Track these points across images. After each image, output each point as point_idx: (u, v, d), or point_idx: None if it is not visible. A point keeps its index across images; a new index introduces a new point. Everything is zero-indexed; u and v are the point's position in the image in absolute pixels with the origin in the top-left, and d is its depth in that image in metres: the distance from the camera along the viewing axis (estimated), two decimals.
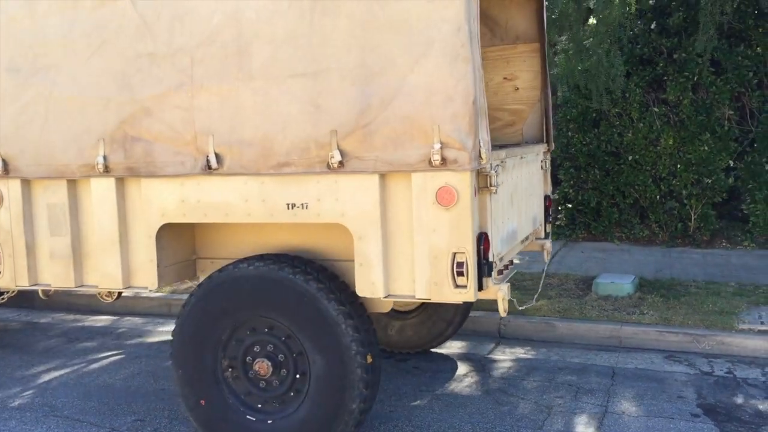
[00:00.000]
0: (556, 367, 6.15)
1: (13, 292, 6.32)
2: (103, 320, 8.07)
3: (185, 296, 8.26)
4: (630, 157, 10.14)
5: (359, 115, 3.87)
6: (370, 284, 3.98)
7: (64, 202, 4.51)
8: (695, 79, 9.73)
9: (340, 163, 3.89)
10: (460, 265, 3.81)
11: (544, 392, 5.56)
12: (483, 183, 3.91)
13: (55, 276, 4.60)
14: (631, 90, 9.79)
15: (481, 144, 3.77)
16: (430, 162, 3.76)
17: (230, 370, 4.39)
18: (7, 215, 4.65)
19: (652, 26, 9.92)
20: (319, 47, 3.92)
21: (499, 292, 4.04)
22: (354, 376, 4.08)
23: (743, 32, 9.79)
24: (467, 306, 6.33)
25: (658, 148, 9.95)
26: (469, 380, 5.87)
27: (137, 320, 8.00)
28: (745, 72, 9.68)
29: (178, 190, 4.28)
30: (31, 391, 5.83)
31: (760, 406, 5.26)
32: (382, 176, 3.91)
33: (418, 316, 6.30)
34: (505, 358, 6.46)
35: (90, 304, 8.57)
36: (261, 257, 4.32)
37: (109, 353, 6.77)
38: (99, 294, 5.53)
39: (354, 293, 4.23)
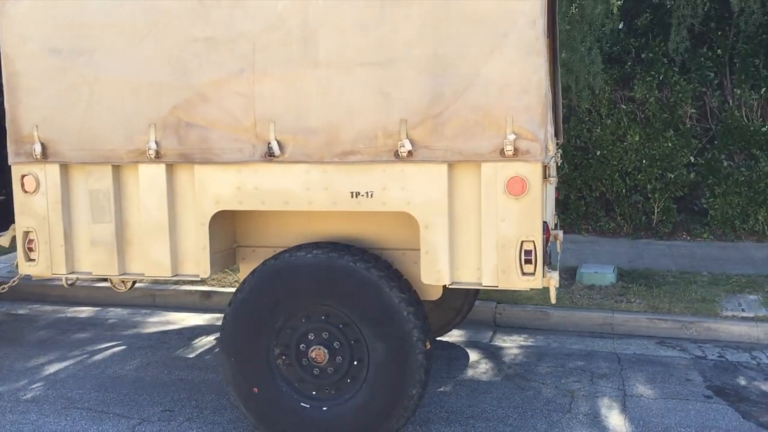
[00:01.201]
0: (561, 354, 6.36)
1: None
2: (85, 311, 7.85)
3: (167, 287, 8.13)
4: (598, 152, 10.49)
5: (430, 104, 3.92)
6: (436, 272, 4.05)
7: (108, 188, 4.40)
8: (660, 78, 10.14)
9: (410, 152, 3.94)
10: (528, 253, 3.92)
11: (561, 377, 5.74)
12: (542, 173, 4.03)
13: (96, 264, 4.48)
14: (601, 87, 10.13)
15: (548, 136, 3.90)
16: (502, 152, 3.85)
17: (283, 357, 4.39)
18: (43, 201, 4.50)
19: (620, 26, 10.28)
20: (389, 36, 3.96)
21: (551, 279, 4.18)
22: (415, 363, 4.15)
23: (705, 34, 10.26)
24: (474, 295, 6.47)
25: (625, 143, 10.33)
26: (484, 367, 6.01)
27: (121, 311, 7.81)
28: (707, 72, 10.14)
29: (234, 177, 4.24)
30: (39, 384, 5.65)
31: (764, 387, 5.58)
32: (450, 165, 3.98)
33: (429, 305, 6.39)
34: (509, 345, 6.62)
35: (65, 295, 8.30)
36: (316, 245, 4.33)
37: (109, 344, 6.61)
38: (112, 283, 5.44)
39: (407, 281, 4.30)
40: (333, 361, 4.32)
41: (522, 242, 3.92)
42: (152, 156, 4.26)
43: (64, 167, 4.48)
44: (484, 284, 4.01)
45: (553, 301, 4.32)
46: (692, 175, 10.29)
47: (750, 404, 5.25)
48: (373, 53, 3.98)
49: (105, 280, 8.10)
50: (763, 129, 9.95)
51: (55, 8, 4.35)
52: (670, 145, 10.08)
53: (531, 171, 3.87)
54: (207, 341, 6.69)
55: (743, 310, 7.19)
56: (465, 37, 3.87)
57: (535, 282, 3.95)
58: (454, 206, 4.01)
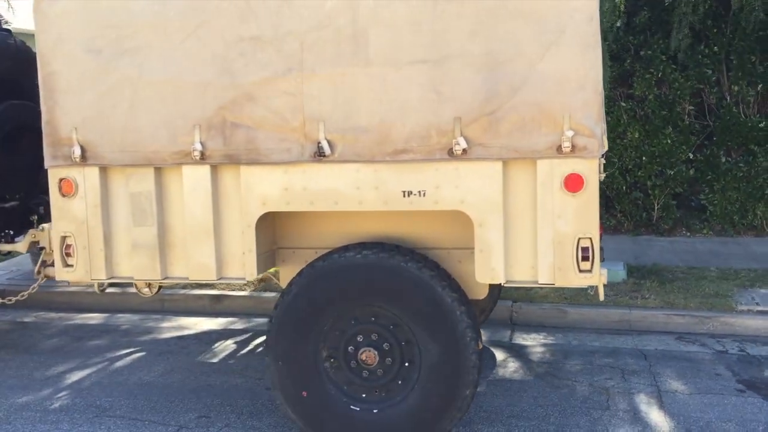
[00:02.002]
0: (586, 351, 6.36)
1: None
2: (94, 317, 7.70)
3: (176, 292, 8.01)
4: None
5: (484, 102, 3.90)
6: (490, 270, 4.02)
7: (150, 191, 4.31)
8: (659, 75, 10.22)
9: (464, 150, 3.90)
10: (585, 250, 3.91)
11: (592, 374, 5.75)
12: None
13: (138, 268, 4.39)
14: None
15: (603, 131, 3.89)
16: (559, 149, 3.84)
17: (331, 360, 4.33)
18: (82, 205, 4.40)
19: (618, 24, 10.34)
20: (442, 33, 3.92)
21: (601, 276, 4.17)
22: (469, 363, 4.12)
23: (702, 32, 10.37)
24: (498, 294, 6.46)
25: (625, 140, 10.39)
26: (513, 366, 5.99)
27: (132, 317, 7.68)
28: (705, 70, 10.25)
29: (281, 177, 4.17)
30: (65, 393, 5.52)
31: None
32: (505, 163, 3.95)
33: None
34: (531, 343, 6.62)
35: (71, 302, 8.19)
36: (363, 245, 4.29)
37: (127, 351, 6.49)
38: (137, 287, 5.35)
39: (455, 281, 4.27)
40: (383, 363, 4.27)
41: (579, 239, 3.91)
42: (197, 157, 4.18)
43: (103, 170, 4.38)
44: (540, 282, 3.99)
45: (601, 298, 4.30)
46: (691, 172, 10.39)
47: None
48: (425, 51, 3.94)
49: (114, 285, 7.99)
50: (761, 125, 10.07)
51: (95, 8, 4.25)
52: (669, 141, 10.17)
53: (588, 167, 3.86)
54: (227, 345, 6.59)
55: (758, 304, 7.25)
56: (520, 33, 3.84)
57: (593, 279, 3.94)
58: (508, 204, 3.99)
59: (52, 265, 5.76)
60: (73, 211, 4.41)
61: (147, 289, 5.53)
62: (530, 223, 3.98)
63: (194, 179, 4.25)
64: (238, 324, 7.32)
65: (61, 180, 4.40)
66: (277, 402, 4.38)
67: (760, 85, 10.12)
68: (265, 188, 4.19)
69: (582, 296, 7.56)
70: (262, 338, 6.77)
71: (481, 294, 4.59)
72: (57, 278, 4.65)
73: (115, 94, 4.27)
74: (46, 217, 6.54)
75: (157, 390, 5.52)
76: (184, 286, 8.14)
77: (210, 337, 6.85)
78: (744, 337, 6.82)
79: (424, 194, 4.04)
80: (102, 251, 4.41)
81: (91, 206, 4.38)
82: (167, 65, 4.20)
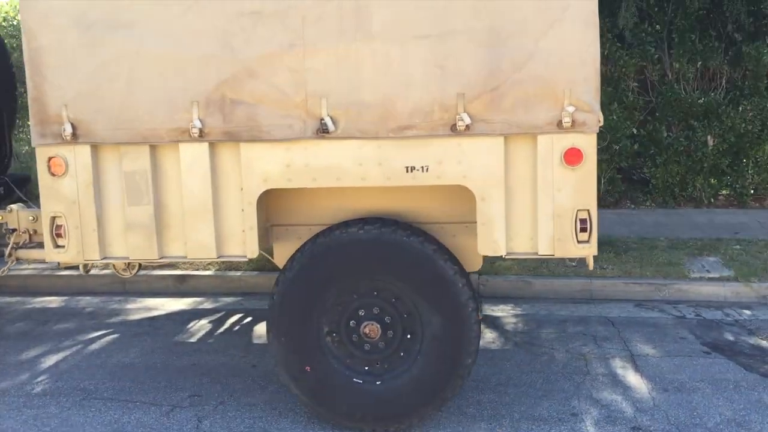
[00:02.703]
0: (556, 320, 6.59)
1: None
2: (53, 301, 7.50)
3: (139, 273, 7.85)
4: None
5: (487, 78, 3.98)
6: (492, 243, 4.13)
7: (146, 169, 4.24)
8: (605, 54, 10.50)
9: (467, 126, 3.98)
10: (583, 221, 4.06)
11: (567, 342, 5.97)
12: None
13: (133, 248, 4.32)
14: None
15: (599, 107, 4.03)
16: (559, 124, 3.96)
17: (333, 335, 4.38)
18: (72, 184, 4.29)
19: None
20: (445, 9, 3.97)
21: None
22: (471, 333, 4.23)
23: (645, 11, 10.70)
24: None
25: None
26: (491, 335, 6.16)
27: (93, 299, 7.51)
28: (648, 48, 10.59)
29: (283, 154, 4.17)
30: (44, 377, 5.40)
31: (751, 341, 5.99)
32: (506, 138, 4.05)
33: None
34: (502, 314, 6.80)
35: (26, 285, 7.95)
36: (364, 221, 4.33)
37: (98, 333, 6.36)
38: (116, 269, 5.27)
39: (453, 254, 4.36)
40: (384, 336, 4.34)
41: (577, 211, 4.05)
42: (195, 135, 4.13)
43: (95, 148, 4.27)
44: (540, 253, 4.12)
45: (591, 267, 4.47)
46: (635, 146, 10.75)
47: (746, 357, 5.62)
48: (429, 26, 3.99)
49: (70, 267, 7.80)
50: (700, 101, 10.49)
51: None
52: (614, 117, 10.47)
53: (587, 142, 4.00)
54: (202, 325, 6.55)
55: (708, 271, 7.63)
56: (523, 10, 3.93)
57: (591, 249, 4.09)
58: (509, 178, 4.09)
59: (23, 247, 5.62)
60: (63, 190, 4.30)
61: (126, 272, 5.46)
62: (530, 197, 4.10)
63: (192, 157, 4.20)
64: (207, 304, 7.26)
65: (50, 159, 4.27)
66: (280, 378, 4.40)
67: (699, 63, 10.52)
68: (266, 165, 4.18)
69: (544, 267, 7.79)
70: (236, 317, 6.76)
71: (475, 267, 4.70)
72: (47, 260, 4.52)
73: (108, 69, 4.16)
74: (4, 198, 6.35)
75: (141, 371, 5.46)
76: (145, 267, 7.99)
77: (182, 318, 6.78)
78: (698, 302, 7.18)
79: (426, 169, 4.10)
80: (95, 231, 4.32)
81: (82, 186, 4.28)
82: (165, 40, 4.12)
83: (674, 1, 10.46)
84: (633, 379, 5.22)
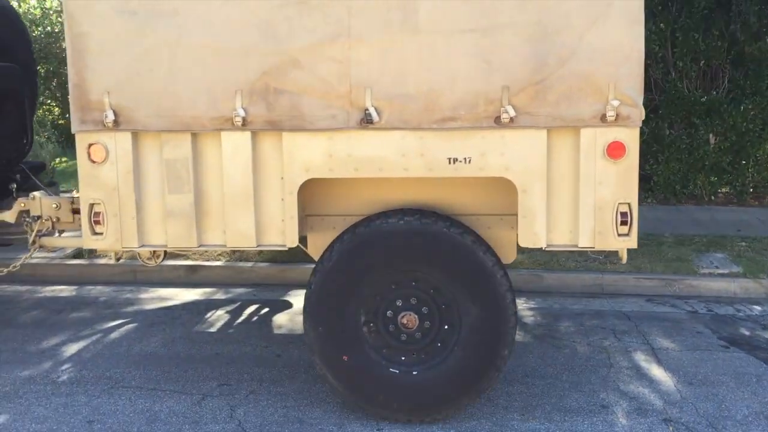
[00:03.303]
0: (572, 313, 6.64)
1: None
2: (64, 290, 7.45)
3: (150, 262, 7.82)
4: None
5: (533, 71, 4.01)
6: (533, 235, 4.17)
7: (187, 157, 4.23)
8: None
9: (512, 118, 4.01)
10: (624, 215, 4.11)
11: (587, 335, 6.02)
12: None
13: (172, 236, 4.31)
14: None
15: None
16: (603, 118, 4.00)
17: (370, 324, 4.40)
18: (112, 171, 4.27)
19: None
20: (491, 3, 4.00)
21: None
22: (509, 324, 4.27)
23: (650, 9, 10.77)
24: None
25: None
26: None
27: (104, 289, 7.47)
28: (652, 46, 10.67)
29: (325, 144, 4.18)
30: (68, 365, 5.38)
31: (766, 336, 6.07)
32: (549, 131, 4.09)
33: None
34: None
35: (34, 274, 7.85)
36: (402, 211, 4.35)
37: (117, 322, 6.34)
38: (141, 257, 5.27)
39: (490, 246, 4.39)
40: (421, 326, 4.37)
41: (618, 204, 4.09)
42: (239, 123, 4.13)
43: (135, 135, 4.26)
44: (580, 246, 4.17)
45: (624, 261, 4.52)
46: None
47: (764, 352, 5.71)
48: (474, 20, 4.01)
49: (77, 256, 7.76)
50: (702, 99, 10.60)
51: None
52: None
53: (630, 135, 4.05)
54: (219, 315, 6.53)
55: (717, 267, 7.73)
56: (569, 5, 3.96)
57: (631, 242, 4.15)
58: (550, 170, 4.12)
59: (47, 234, 5.60)
60: (102, 177, 4.28)
61: (151, 260, 5.45)
62: (571, 189, 4.14)
63: (234, 145, 4.20)
64: (220, 294, 7.25)
65: (90, 145, 4.26)
66: (317, 367, 4.41)
67: (702, 62, 10.62)
68: (309, 155, 4.18)
69: (554, 262, 7.85)
70: (252, 308, 6.76)
71: (509, 259, 4.73)
72: (84, 246, 4.50)
73: (151, 57, 4.15)
74: (23, 185, 6.29)
75: (165, 360, 5.44)
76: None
77: (197, 308, 6.77)
78: (707, 298, 7.26)
79: (469, 161, 4.13)
80: (134, 219, 4.30)
81: (122, 173, 4.27)
82: (208, 29, 4.11)
83: (679, 0, 10.54)
84: (657, 372, 5.28)
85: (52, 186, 6.51)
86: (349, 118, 4.12)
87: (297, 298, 7.04)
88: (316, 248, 4.70)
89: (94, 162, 4.26)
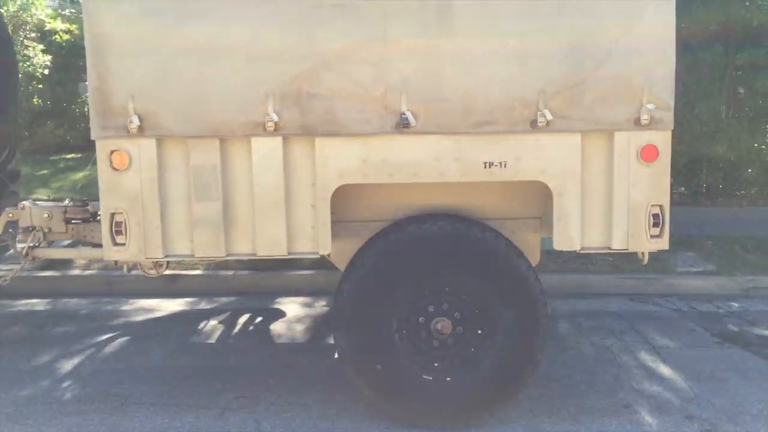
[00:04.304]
0: (565, 314, 6.72)
1: (3, 279, 5.49)
2: (37, 303, 7.08)
3: (127, 273, 7.53)
4: None
5: (568, 75, 4.03)
6: (568, 238, 4.19)
7: (216, 164, 4.10)
8: None
9: (548, 122, 4.03)
10: (655, 216, 4.17)
11: (587, 335, 6.11)
12: None
13: (199, 245, 4.16)
14: None
15: None
16: (637, 121, 4.05)
17: (403, 332, 4.34)
18: (136, 179, 4.10)
19: None
20: (527, 7, 4.01)
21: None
22: (543, 327, 4.29)
23: None
24: None
25: None
26: None
27: (81, 301, 7.14)
28: None
29: (359, 149, 4.11)
30: (68, 383, 5.13)
31: (755, 332, 6.28)
32: (582, 134, 4.12)
33: None
34: None
35: (3, 287, 7.46)
36: (434, 216, 4.32)
37: (107, 336, 6.08)
38: (143, 268, 5.09)
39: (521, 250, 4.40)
40: (454, 332, 4.34)
41: (651, 206, 4.15)
42: (271, 128, 4.02)
43: (159, 141, 4.10)
44: (613, 248, 4.21)
45: (645, 262, 4.58)
46: None
47: (758, 347, 5.90)
48: (511, 23, 4.01)
49: (46, 268, 7.43)
50: None
51: None
52: None
53: (662, 138, 4.11)
54: (213, 326, 6.35)
55: (691, 266, 7.96)
56: (603, 9, 4.00)
57: (662, 243, 4.21)
58: (584, 173, 4.15)
59: (39, 245, 5.34)
60: (125, 185, 4.10)
61: (153, 270, 5.25)
62: (605, 192, 4.18)
63: (265, 151, 4.08)
64: (204, 304, 7.05)
65: (112, 152, 4.07)
66: (348, 377, 4.33)
67: None
68: (342, 160, 4.11)
69: (539, 264, 7.91)
70: (245, 317, 6.60)
71: (534, 263, 4.74)
72: (105, 258, 4.30)
73: (179, 60, 4.00)
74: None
75: (170, 374, 5.25)
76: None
77: (187, 319, 6.56)
78: (685, 295, 7.48)
79: (504, 165, 4.12)
80: (158, 228, 4.14)
81: (146, 180, 4.09)
82: (238, 31, 3.99)
83: None
84: (664, 370, 5.39)
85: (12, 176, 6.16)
86: (383, 123, 4.06)
87: (287, 306, 6.91)
88: (337, 255, 4.62)
89: (116, 170, 4.08)
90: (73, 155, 15.09)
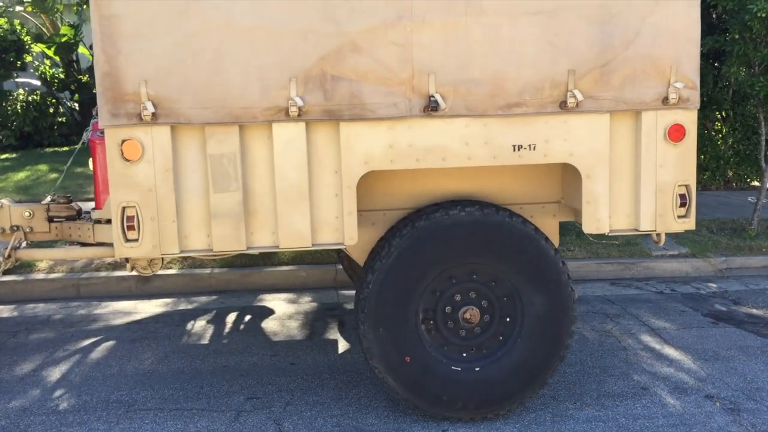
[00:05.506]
0: None
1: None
2: (4, 309, 6.68)
3: (94, 275, 7.19)
4: None
5: (597, 55, 3.96)
6: (596, 221, 4.12)
7: (235, 152, 3.86)
8: None
9: (578, 103, 3.95)
10: (682, 197, 4.14)
11: (585, 321, 6.09)
12: None
13: (217, 239, 3.92)
14: None
15: None
16: (665, 100, 4.01)
17: (430, 322, 4.21)
18: (149, 170, 3.83)
19: None
20: None
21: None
22: (572, 313, 4.22)
23: None
24: None
25: None
26: None
27: (50, 306, 6.76)
28: None
29: (385, 134, 3.94)
30: (60, 392, 4.79)
31: (742, 311, 6.40)
32: (611, 114, 4.06)
33: None
34: None
35: None
36: (459, 203, 4.20)
37: (91, 341, 5.74)
38: (137, 268, 4.82)
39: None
40: (481, 320, 4.23)
41: (677, 186, 4.12)
42: (295, 113, 3.81)
43: (174, 129, 3.84)
44: (641, 229, 4.16)
45: (662, 244, 4.56)
46: None
47: (750, 325, 6.00)
48: (540, 2, 3.91)
49: (7, 272, 7.02)
50: None
51: None
52: None
53: (689, 118, 4.08)
54: (201, 326, 6.08)
55: (666, 249, 8.07)
56: None
57: (689, 224, 4.18)
58: (612, 155, 4.09)
59: (20, 247, 4.99)
60: (137, 177, 3.83)
61: (147, 269, 4.97)
62: (632, 173, 4.13)
63: (287, 138, 3.87)
64: (184, 304, 6.76)
65: (123, 142, 3.79)
66: (376, 371, 4.16)
67: None
68: (368, 146, 3.93)
69: None
70: (233, 316, 6.35)
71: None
72: (116, 256, 4.01)
73: (196, 42, 3.75)
74: None
75: (170, 377, 4.98)
76: (99, 269, 7.34)
77: (171, 319, 6.27)
78: (663, 278, 7.60)
79: (534, 148, 4.03)
80: (174, 223, 3.88)
81: (160, 171, 3.83)
82: (259, 10, 3.77)
83: None
84: (670, 351, 5.41)
85: None
86: (411, 106, 3.91)
87: (272, 303, 6.69)
88: (353, 246, 4.43)
89: (127, 160, 3.80)
90: (7, 155, 14.39)
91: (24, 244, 5.14)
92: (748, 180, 11.85)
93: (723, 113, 11.40)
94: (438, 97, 3.88)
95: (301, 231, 3.95)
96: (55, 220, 5.05)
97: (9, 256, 4.91)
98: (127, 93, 3.74)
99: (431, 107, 3.88)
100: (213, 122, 3.81)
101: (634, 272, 7.71)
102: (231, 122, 3.82)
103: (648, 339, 5.65)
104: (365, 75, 3.86)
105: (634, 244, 8.14)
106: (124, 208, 3.85)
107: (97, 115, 5.00)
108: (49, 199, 5.14)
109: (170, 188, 3.85)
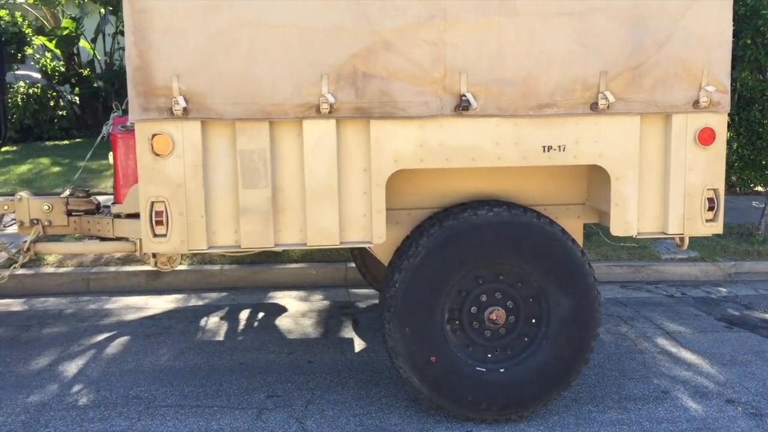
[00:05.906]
0: None
1: (2, 277, 5.11)
2: (12, 303, 6.61)
3: (104, 270, 7.15)
4: None
5: (629, 56, 3.96)
6: (624, 223, 4.12)
7: (265, 148, 3.84)
8: None
9: (609, 105, 3.94)
10: (710, 200, 4.14)
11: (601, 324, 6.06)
12: None
13: (246, 235, 3.90)
14: None
15: None
16: (695, 103, 4.01)
17: (456, 322, 4.20)
18: (179, 165, 3.81)
19: None
20: None
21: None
22: (597, 315, 4.22)
23: None
24: None
25: None
26: None
27: (60, 300, 6.72)
28: None
29: (416, 133, 3.93)
30: (78, 387, 4.76)
31: (755, 315, 6.40)
32: (642, 117, 4.05)
33: None
34: None
35: None
36: (483, 203, 4.18)
37: (105, 336, 5.70)
38: (158, 263, 4.81)
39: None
40: (507, 321, 4.21)
41: (706, 190, 4.12)
42: (326, 111, 3.79)
43: (204, 124, 3.82)
44: (669, 233, 4.16)
45: (685, 247, 4.56)
46: None
47: (764, 330, 6.01)
48: (572, 3, 3.90)
49: (23, 265, 6.98)
50: None
51: None
52: None
53: (719, 121, 4.08)
54: (215, 322, 6.05)
55: (675, 253, 8.07)
56: None
57: (717, 228, 4.18)
58: (642, 157, 4.09)
59: (40, 240, 4.98)
60: (167, 172, 3.80)
61: (167, 265, 4.95)
62: (661, 176, 4.13)
63: (318, 135, 3.86)
64: (195, 300, 6.73)
65: (153, 136, 3.77)
66: (401, 371, 4.14)
67: None
68: (398, 144, 3.92)
69: None
70: (246, 312, 6.32)
71: None
72: (145, 251, 3.99)
73: (228, 37, 3.73)
74: None
75: (188, 374, 4.95)
76: (109, 264, 7.30)
77: (185, 316, 6.23)
78: (673, 282, 7.59)
79: (564, 149, 4.02)
80: (203, 218, 3.86)
81: (190, 167, 3.81)
82: (292, 7, 3.75)
83: None
84: (687, 355, 5.41)
85: None
86: (442, 105, 3.90)
87: (284, 301, 6.67)
88: (377, 245, 4.41)
89: (158, 155, 3.78)
90: (7, 148, 14.30)
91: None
92: (752, 185, 11.86)
93: (728, 118, 11.38)
94: (469, 97, 3.86)
95: (329, 229, 3.93)
96: (73, 213, 5.02)
97: (28, 249, 4.90)
98: (158, 87, 3.71)
99: (463, 107, 3.87)
100: (244, 118, 3.79)
101: (643, 275, 7.71)
102: (262, 118, 3.80)
103: (664, 342, 5.65)
104: (396, 73, 3.85)
105: (643, 247, 8.14)
106: (153, 203, 3.82)
107: (118, 108, 5.00)
108: (67, 192, 5.10)
109: (199, 183, 3.82)
